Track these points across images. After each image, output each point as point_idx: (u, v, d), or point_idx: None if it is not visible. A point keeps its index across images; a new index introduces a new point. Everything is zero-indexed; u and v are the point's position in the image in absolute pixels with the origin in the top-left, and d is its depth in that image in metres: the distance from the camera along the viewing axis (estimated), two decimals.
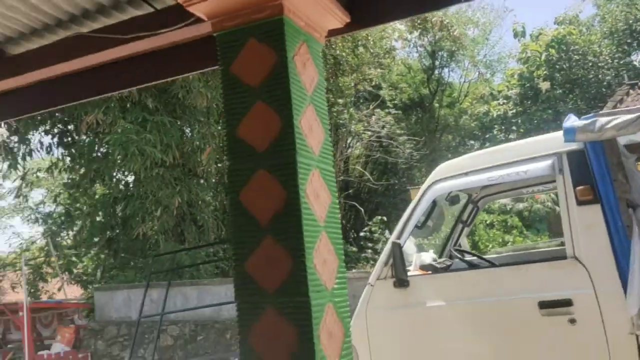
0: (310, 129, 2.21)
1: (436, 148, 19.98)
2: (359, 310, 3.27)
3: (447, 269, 3.48)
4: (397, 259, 3.06)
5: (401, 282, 3.08)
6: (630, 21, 20.38)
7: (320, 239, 2.13)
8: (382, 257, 3.28)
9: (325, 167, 2.38)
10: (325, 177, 2.31)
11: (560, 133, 2.89)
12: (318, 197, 2.18)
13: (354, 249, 12.90)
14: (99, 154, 11.98)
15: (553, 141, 3.02)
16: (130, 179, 12.08)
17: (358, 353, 3.18)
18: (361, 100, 17.62)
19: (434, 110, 22.03)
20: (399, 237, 3.24)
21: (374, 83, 17.31)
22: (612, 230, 2.66)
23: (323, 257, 2.10)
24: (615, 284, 2.61)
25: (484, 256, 4.08)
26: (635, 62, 20.93)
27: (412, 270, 3.41)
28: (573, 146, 2.87)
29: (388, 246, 3.22)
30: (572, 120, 2.80)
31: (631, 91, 12.79)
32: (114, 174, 11.86)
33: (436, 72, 22.23)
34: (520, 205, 13.12)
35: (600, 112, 2.71)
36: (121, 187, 12.15)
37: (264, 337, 2.00)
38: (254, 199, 2.27)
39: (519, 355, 2.82)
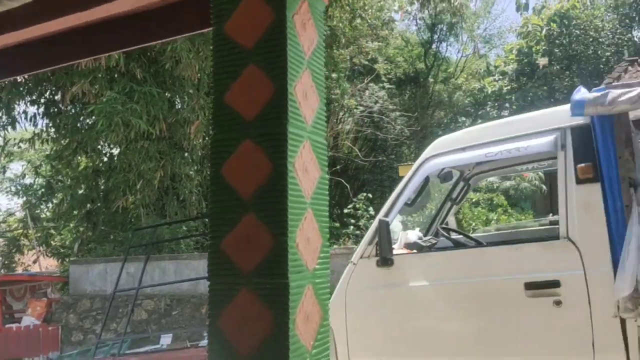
0: (305, 96, 2.01)
1: (427, 125, 19.82)
2: (338, 290, 3.13)
3: (432, 247, 3.33)
4: (384, 237, 2.91)
5: (385, 261, 2.93)
6: None
7: (305, 217, 1.96)
8: (368, 235, 3.13)
9: (317, 138, 2.18)
10: (317, 149, 2.12)
11: (564, 107, 2.71)
12: (307, 171, 1.99)
13: (337, 224, 12.84)
14: (84, 125, 11.71)
15: (557, 116, 2.85)
16: (116, 151, 11.85)
17: (334, 333, 3.05)
18: (356, 74, 17.34)
19: (428, 85, 21.80)
20: (387, 215, 3.08)
21: (370, 56, 17.01)
22: (611, 210, 2.54)
23: (307, 235, 1.93)
24: (607, 266, 2.50)
25: (471, 235, 3.94)
26: (636, 38, 20.67)
27: (397, 249, 3.27)
28: (578, 121, 2.70)
29: (374, 224, 3.06)
30: (582, 93, 2.62)
31: (630, 68, 12.55)
32: (98, 145, 11.62)
33: (434, 46, 21.92)
34: (507, 184, 13.05)
35: (613, 83, 2.52)
36: (105, 159, 11.92)
37: (235, 320, 1.83)
38: (238, 172, 2.06)
39: (503, 337, 2.72)
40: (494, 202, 12.63)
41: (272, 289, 1.81)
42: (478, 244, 3.51)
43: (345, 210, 12.71)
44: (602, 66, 18.87)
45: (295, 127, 1.93)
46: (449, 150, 3.11)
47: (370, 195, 12.66)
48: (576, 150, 2.69)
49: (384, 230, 2.95)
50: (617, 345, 2.47)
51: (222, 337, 1.85)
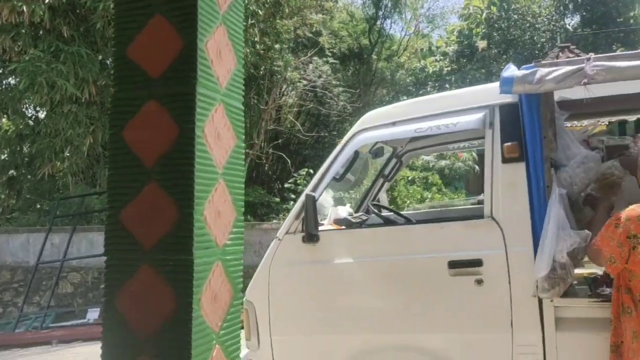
0: (219, 54, 1.82)
1: (370, 102, 19.87)
2: (262, 266, 3.02)
3: (361, 224, 3.27)
4: (310, 212, 2.80)
5: (311, 237, 2.84)
6: None
7: (216, 188, 1.80)
8: (294, 210, 3.02)
9: (233, 102, 2.00)
10: (232, 115, 1.95)
11: (494, 85, 2.67)
12: (219, 138, 1.82)
13: (277, 199, 12.72)
14: (5, 85, 10.88)
15: (487, 93, 2.81)
16: (42, 115, 11.12)
17: (256, 311, 2.95)
18: (300, 47, 17.04)
19: (372, 62, 21.80)
20: (314, 189, 2.97)
21: (314, 29, 16.73)
22: (534, 190, 2.54)
23: (217, 208, 1.78)
24: (528, 246, 2.52)
25: (402, 212, 3.91)
26: (568, 26, 21.48)
27: (326, 225, 3.18)
28: (507, 99, 2.67)
29: (301, 198, 2.94)
30: (511, 70, 2.58)
31: (561, 54, 13.01)
32: (22, 107, 10.85)
33: (378, 22, 21.88)
34: (442, 163, 13.36)
35: (542, 61, 2.49)
36: (30, 122, 11.17)
37: (134, 300, 1.66)
38: (140, 135, 1.85)
39: (426, 314, 2.71)
40: (429, 181, 12.91)
41: (175, 265, 1.65)
42: (407, 221, 3.48)
43: (286, 185, 12.61)
44: (537, 52, 19.52)
45: (205, 88, 1.75)
46: (378, 124, 3.02)
47: (311, 171, 12.59)
48: (503, 129, 2.67)
49: (310, 205, 2.84)
50: (534, 324, 2.50)
51: (119, 318, 1.67)
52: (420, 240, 2.82)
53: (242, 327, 3.03)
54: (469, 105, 2.85)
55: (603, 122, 3.44)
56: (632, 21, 21.83)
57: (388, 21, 22.38)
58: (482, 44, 20.01)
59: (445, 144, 4.19)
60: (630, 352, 2.13)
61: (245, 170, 12.29)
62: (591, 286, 2.76)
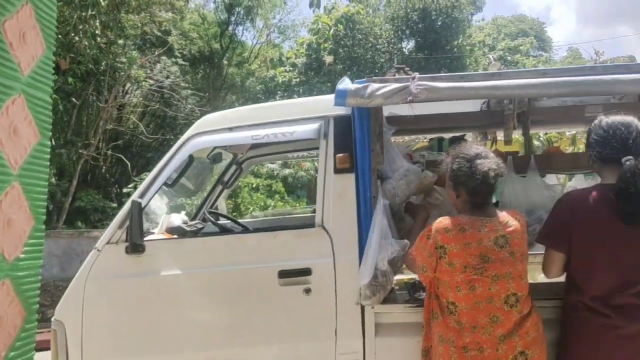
0: (22, 38, 1.56)
1: (219, 107, 19.57)
2: (76, 280, 2.72)
3: (196, 233, 3.12)
4: (135, 220, 2.59)
5: (135, 247, 2.62)
6: (408, 10, 22.61)
7: (7, 192, 1.54)
8: (117, 218, 2.77)
9: (37, 94, 1.75)
10: (35, 108, 1.69)
11: (331, 96, 2.73)
12: (16, 133, 1.57)
13: (114, 205, 11.86)
14: None
15: (324, 103, 2.86)
16: None
17: (67, 332, 2.65)
18: (147, 45, 16.16)
19: (222, 67, 21.54)
20: (142, 195, 2.76)
21: (163, 27, 15.99)
22: (361, 200, 2.64)
23: (7, 216, 1.53)
24: (354, 254, 2.61)
25: (240, 220, 3.85)
26: (405, 49, 23.36)
27: (157, 234, 2.98)
28: (341, 111, 2.75)
29: (127, 205, 2.72)
30: (345, 83, 2.66)
31: (397, 74, 14.16)
32: None
33: (230, 28, 21.70)
34: (286, 171, 13.63)
35: (373, 77, 2.60)
36: None
37: None
38: None
39: (256, 326, 2.66)
40: (273, 189, 13.05)
41: None
42: (244, 230, 3.41)
43: (125, 190, 11.78)
44: (377, 70, 20.92)
45: (1, 75, 1.51)
46: (214, 129, 2.92)
47: None
48: (337, 140, 2.75)
49: (135, 212, 2.63)
50: (356, 331, 2.58)
51: None
52: (252, 250, 2.77)
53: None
54: (306, 114, 2.88)
55: (425, 138, 3.73)
56: (456, 50, 24.47)
57: (240, 28, 22.33)
58: (328, 59, 20.90)
59: (286, 152, 4.21)
60: (436, 356, 2.29)
61: (75, 172, 11.26)
62: (410, 291, 2.95)
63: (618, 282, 2.14)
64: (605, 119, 2.24)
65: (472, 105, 3.34)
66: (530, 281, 2.33)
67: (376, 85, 2.47)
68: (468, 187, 2.25)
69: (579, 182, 3.54)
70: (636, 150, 2.15)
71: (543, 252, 2.39)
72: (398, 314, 2.60)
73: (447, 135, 3.42)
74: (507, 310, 2.20)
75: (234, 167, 4.02)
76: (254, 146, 3.84)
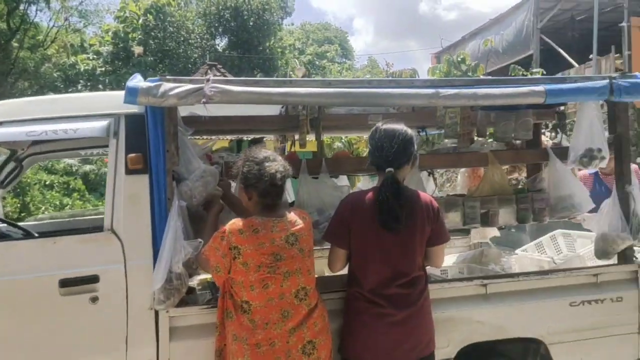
0: None
1: (7, 94, 17.24)
2: None
3: None
4: None
5: None
6: (220, 7, 22.49)
7: None
8: None
9: None
10: None
11: (122, 93, 2.57)
12: None
13: None
14: None
15: (114, 100, 2.68)
16: None
17: None
18: None
19: (11, 50, 18.97)
20: None
21: None
22: (156, 202, 2.55)
23: None
24: (148, 259, 2.52)
25: (21, 224, 3.43)
26: (218, 46, 23.23)
27: None
28: (134, 109, 2.62)
29: None
30: (136, 80, 2.52)
31: (209, 71, 14.08)
32: None
33: (22, 7, 19.19)
34: (87, 168, 12.57)
35: (167, 76, 2.52)
36: None
37: None
38: None
39: (36, 341, 2.41)
40: (71, 186, 11.88)
41: None
42: (27, 234, 3.04)
43: None
44: (190, 65, 20.50)
45: None
46: None
47: None
48: (128, 139, 2.61)
49: None
50: (149, 338, 2.50)
51: None
52: (27, 258, 2.48)
53: None
54: (94, 111, 2.68)
55: (226, 138, 3.76)
56: (268, 51, 25.14)
57: (33, 7, 19.90)
58: (138, 50, 19.79)
59: (78, 149, 3.86)
60: (230, 355, 2.34)
61: None
62: (212, 290, 2.95)
63: (388, 275, 2.42)
64: (378, 129, 2.50)
65: (274, 110, 3.47)
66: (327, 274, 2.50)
67: (169, 85, 2.41)
68: (258, 189, 2.33)
69: (368, 183, 3.91)
70: (397, 160, 2.42)
71: None
72: (194, 316, 2.57)
73: (247, 137, 3.49)
74: (297, 304, 2.33)
75: (12, 165, 3.56)
76: (37, 142, 3.45)
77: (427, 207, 2.46)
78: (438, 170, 4.41)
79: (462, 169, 4.12)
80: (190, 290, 3.00)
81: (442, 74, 12.25)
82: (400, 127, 2.47)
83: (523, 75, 10.97)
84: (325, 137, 10.82)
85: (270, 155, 2.39)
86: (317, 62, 37.51)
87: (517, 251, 4.18)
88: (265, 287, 2.28)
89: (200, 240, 2.41)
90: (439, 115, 3.17)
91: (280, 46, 31.50)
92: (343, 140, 10.91)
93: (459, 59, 12.39)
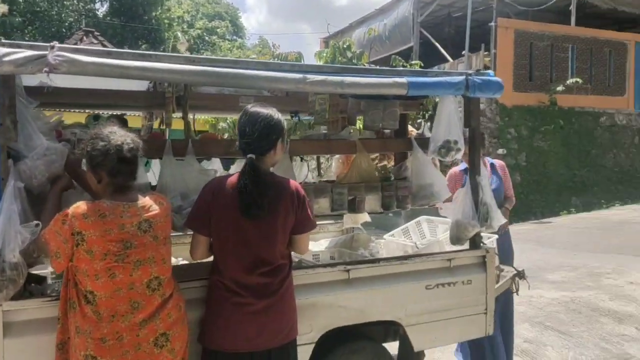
0: None
1: None
2: None
3: None
4: None
5: None
6: None
7: None
8: None
9: None
10: None
11: None
12: None
13: None
14: None
15: None
16: None
17: None
18: None
19: None
20: None
21: None
22: None
23: None
24: None
25: None
26: (98, 12, 21.60)
27: None
28: None
29: None
30: None
31: (85, 38, 13.03)
32: None
33: None
34: None
35: (2, 41, 2.22)
36: None
37: None
38: None
39: None
40: None
41: None
42: None
43: None
44: (64, 30, 18.81)
45: None
46: None
47: None
48: None
49: None
50: None
51: None
52: None
53: None
54: None
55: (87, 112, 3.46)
56: (154, 21, 23.85)
57: None
58: (2, 8, 17.72)
59: None
60: (73, 348, 2.15)
61: None
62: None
63: (249, 263, 2.37)
64: (245, 112, 2.42)
65: (144, 85, 3.24)
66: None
67: (4, 50, 2.13)
68: (106, 167, 2.15)
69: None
70: (258, 146, 2.36)
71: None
72: (35, 310, 2.33)
73: (105, 112, 3.23)
74: (149, 294, 2.20)
75: None
76: None
77: (291, 195, 2.41)
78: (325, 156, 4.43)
79: (337, 156, 4.18)
80: (41, 279, 2.74)
81: (328, 59, 12.42)
82: (266, 111, 2.40)
83: (403, 66, 11.46)
84: (209, 116, 10.52)
85: (117, 130, 2.21)
86: (206, 38, 36.30)
87: (385, 236, 4.34)
88: (112, 277, 2.12)
89: (37, 222, 2.17)
90: (310, 101, 3.16)
91: (168, 17, 29.99)
92: (228, 121, 10.66)
93: (345, 46, 12.63)
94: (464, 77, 2.91)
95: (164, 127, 3.54)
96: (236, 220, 2.33)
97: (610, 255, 8.14)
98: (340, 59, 12.34)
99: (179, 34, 21.94)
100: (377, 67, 3.57)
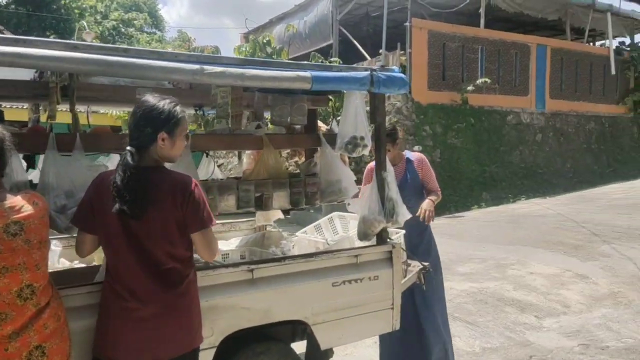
0: None
1: None
2: None
3: None
4: None
5: None
6: None
7: None
8: None
9: None
10: None
11: None
12: None
13: None
14: None
15: None
16: None
17: None
18: None
19: None
20: None
21: None
22: None
23: None
24: None
25: None
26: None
27: None
28: None
29: None
30: None
31: None
32: None
33: None
34: None
35: None
36: None
37: None
38: None
39: None
40: None
41: None
42: None
43: None
44: None
45: None
46: None
47: None
48: None
49: None
50: None
51: None
52: None
53: None
54: None
55: None
56: (63, 10, 22.48)
57: None
58: None
59: None
60: None
61: None
62: None
63: (134, 265, 2.20)
64: (139, 102, 2.26)
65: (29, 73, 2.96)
66: None
67: None
68: None
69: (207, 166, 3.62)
70: (135, 138, 2.21)
71: None
72: None
73: None
74: (20, 304, 1.98)
75: None
76: None
77: (175, 191, 2.21)
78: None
79: (248, 152, 4.06)
80: None
81: (248, 54, 12.23)
82: (152, 102, 2.23)
83: (322, 63, 11.49)
84: (123, 111, 9.99)
85: None
86: (122, 30, 34.68)
87: (297, 233, 4.28)
88: None
89: None
90: (213, 94, 3.02)
91: (79, 7, 28.32)
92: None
93: (265, 41, 12.48)
94: (368, 72, 2.89)
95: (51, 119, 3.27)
96: (119, 219, 2.16)
97: (514, 247, 8.58)
98: (260, 54, 12.19)
99: (84, 23, 20.79)
100: (282, 60, 3.48)
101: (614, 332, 5.03)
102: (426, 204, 3.77)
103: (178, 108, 2.28)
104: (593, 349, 4.68)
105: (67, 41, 2.27)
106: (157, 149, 2.23)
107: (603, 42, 21.86)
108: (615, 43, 20.11)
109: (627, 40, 21.44)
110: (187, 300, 2.32)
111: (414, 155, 4.17)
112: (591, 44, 21.39)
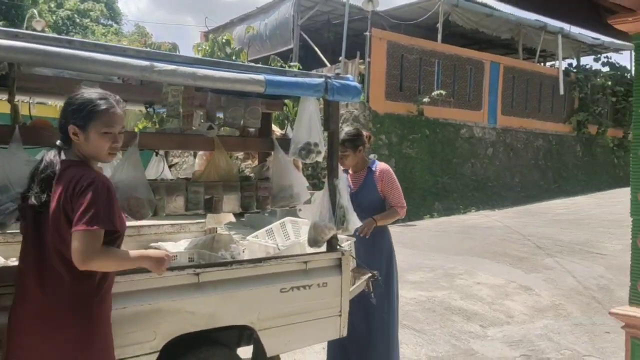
0: None
1: None
2: None
3: None
4: None
5: None
6: None
7: None
8: None
9: None
10: None
11: None
12: None
13: None
14: None
15: None
16: None
17: None
18: None
19: None
20: None
21: None
22: None
23: None
24: None
25: None
26: None
27: None
28: None
29: None
30: None
31: None
32: None
33: None
34: None
35: None
36: None
37: None
38: None
39: None
40: None
41: None
42: None
43: None
44: None
45: None
46: None
47: None
48: None
49: None
50: None
51: None
52: None
53: None
54: None
55: None
56: None
57: None
58: None
59: None
60: None
61: None
62: None
63: (26, 263, 2.13)
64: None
65: None
66: None
67: None
68: None
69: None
70: (59, 131, 2.15)
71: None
72: None
73: None
74: None
75: None
76: None
77: (69, 183, 2.00)
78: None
79: (200, 152, 3.98)
80: None
81: (207, 53, 12.06)
82: (74, 93, 2.14)
83: (282, 66, 11.46)
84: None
85: None
86: (77, 20, 33.55)
87: (248, 237, 4.22)
88: None
89: None
90: (164, 92, 2.93)
91: None
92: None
93: (224, 41, 12.35)
94: (323, 79, 2.88)
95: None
96: (32, 209, 2.13)
97: (463, 257, 8.77)
98: (219, 54, 12.04)
99: (35, 11, 20.02)
100: (236, 62, 3.44)
101: (555, 342, 5.20)
102: (366, 222, 3.72)
103: (101, 102, 2.07)
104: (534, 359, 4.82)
105: (8, 29, 2.16)
106: (80, 142, 2.10)
107: (553, 62, 22.78)
108: (564, 64, 20.99)
109: (574, 62, 22.45)
110: (75, 319, 2.04)
111: (379, 165, 4.05)
112: (542, 64, 22.23)
